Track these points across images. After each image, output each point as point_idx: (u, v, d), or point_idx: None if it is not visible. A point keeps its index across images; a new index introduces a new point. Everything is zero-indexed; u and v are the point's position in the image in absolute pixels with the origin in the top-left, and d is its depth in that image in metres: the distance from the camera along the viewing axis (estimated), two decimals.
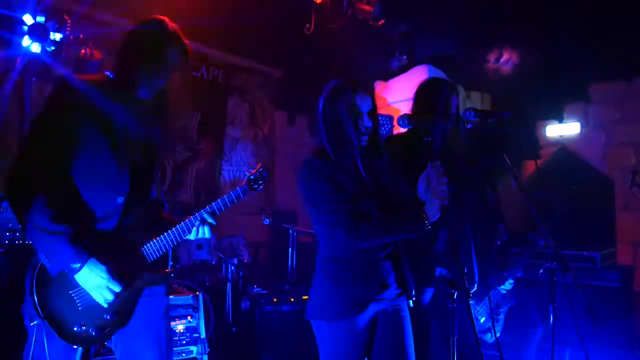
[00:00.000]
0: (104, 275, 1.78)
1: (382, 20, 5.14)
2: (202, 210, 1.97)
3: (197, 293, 3.23)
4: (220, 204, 1.99)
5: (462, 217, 2.57)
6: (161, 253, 1.94)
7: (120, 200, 1.87)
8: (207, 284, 4.62)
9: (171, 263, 3.83)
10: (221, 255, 4.60)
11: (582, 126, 5.29)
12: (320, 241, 2.18)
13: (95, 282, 1.78)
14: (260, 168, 2.07)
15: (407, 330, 2.16)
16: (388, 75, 5.81)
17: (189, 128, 5.67)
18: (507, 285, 3.45)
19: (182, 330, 3.07)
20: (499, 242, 3.67)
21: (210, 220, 1.98)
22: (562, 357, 3.68)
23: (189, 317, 3.11)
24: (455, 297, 1.83)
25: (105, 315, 1.85)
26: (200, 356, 3.10)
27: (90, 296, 1.81)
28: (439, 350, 2.47)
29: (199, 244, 4.55)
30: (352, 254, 2.05)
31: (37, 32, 3.17)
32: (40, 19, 3.19)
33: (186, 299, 3.17)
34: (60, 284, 1.79)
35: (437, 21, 5.13)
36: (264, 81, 6.44)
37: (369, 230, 1.98)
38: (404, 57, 5.70)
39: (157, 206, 2.06)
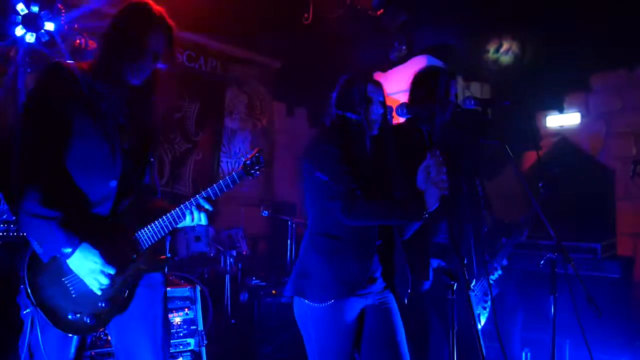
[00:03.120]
0: (97, 259, 1.76)
1: (381, 10, 5.09)
2: (197, 196, 1.95)
3: (195, 285, 3.21)
4: (216, 188, 1.96)
5: (461, 207, 2.55)
6: (156, 239, 1.92)
7: (113, 184, 1.86)
8: (206, 276, 4.61)
9: (169, 254, 3.81)
10: (220, 247, 4.58)
11: (582, 116, 5.25)
12: (313, 215, 2.17)
13: (88, 267, 1.76)
14: (257, 153, 2.04)
15: (397, 322, 2.15)
16: (387, 65, 5.76)
17: (187, 119, 5.64)
18: (495, 275, 3.44)
19: (179, 323, 3.05)
20: (485, 229, 3.66)
21: (206, 206, 1.95)
22: (562, 349, 3.67)
23: (186, 310, 3.10)
24: (454, 288, 1.81)
25: (99, 303, 1.83)
26: (198, 348, 3.09)
27: (84, 283, 1.79)
28: (439, 342, 2.45)
29: (197, 236, 4.53)
30: (345, 232, 2.04)
31: (31, 22, 3.13)
32: (34, 8, 3.14)
33: (184, 291, 3.15)
34: (53, 271, 1.77)
35: (437, 11, 5.08)
36: (262, 72, 6.40)
37: (366, 207, 1.98)
38: (403, 47, 5.65)
39: (150, 192, 2.04)
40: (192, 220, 1.96)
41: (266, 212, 4.81)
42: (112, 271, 1.79)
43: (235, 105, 6.19)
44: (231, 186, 1.98)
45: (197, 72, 5.65)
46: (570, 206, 4.35)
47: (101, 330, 1.98)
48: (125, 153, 1.90)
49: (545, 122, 5.44)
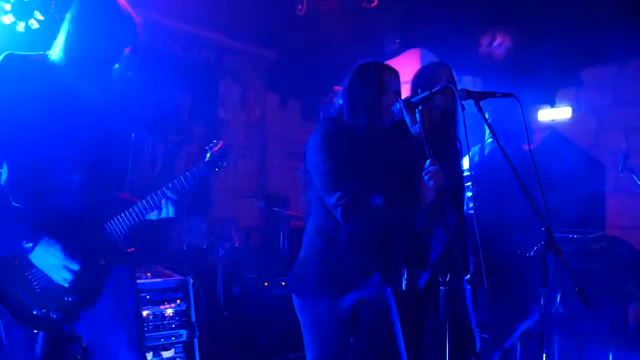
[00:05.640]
0: (59, 254, 1.73)
1: (375, 2, 5.07)
2: (163, 188, 1.92)
3: (187, 277, 3.21)
4: (183, 180, 1.94)
5: (458, 199, 2.55)
6: (123, 232, 1.88)
7: (76, 177, 1.82)
8: (198, 268, 4.60)
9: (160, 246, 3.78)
10: (212, 239, 4.57)
11: (574, 110, 5.29)
12: (312, 213, 2.16)
13: (50, 262, 1.72)
14: (221, 145, 2.03)
15: (393, 312, 2.16)
16: (381, 58, 5.74)
17: (180, 110, 5.60)
18: None
19: (171, 314, 3.05)
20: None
21: (173, 197, 1.93)
22: (552, 340, 3.72)
23: (178, 301, 3.10)
24: (448, 280, 1.83)
25: (65, 297, 1.79)
26: (189, 340, 3.10)
27: (49, 277, 1.75)
28: (434, 332, 2.47)
29: (189, 227, 4.52)
30: (343, 233, 2.04)
31: (21, 11, 3.09)
32: None
33: (176, 282, 3.15)
34: (15, 267, 1.74)
35: (430, 4, 5.07)
36: (256, 63, 6.36)
37: (363, 208, 1.96)
38: (397, 40, 5.63)
39: (117, 185, 1.99)
40: (160, 213, 1.94)
41: (259, 204, 4.80)
42: (75, 266, 1.75)
43: (228, 96, 6.17)
44: (194, 181, 1.96)
45: (190, 62, 5.61)
46: (561, 199, 4.39)
47: (68, 325, 1.94)
48: (88, 145, 1.85)
49: (537, 116, 5.47)
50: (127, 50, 1.89)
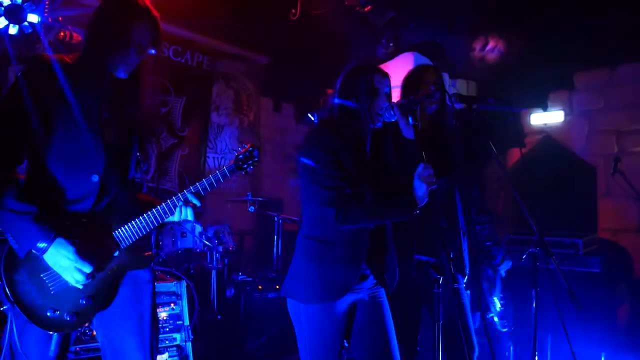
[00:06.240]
0: (72, 255, 1.72)
1: (369, 7, 5.10)
2: (185, 191, 1.89)
3: (181, 280, 3.21)
4: (205, 183, 1.90)
5: (452, 201, 2.57)
6: (140, 235, 1.86)
7: (95, 179, 1.82)
8: (192, 271, 4.59)
9: (154, 250, 3.77)
10: (206, 242, 4.57)
11: (566, 114, 5.33)
12: (306, 217, 2.16)
13: (63, 263, 1.72)
14: (250, 147, 1.96)
15: (387, 315, 2.17)
16: (374, 62, 5.77)
17: (173, 114, 5.60)
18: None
19: (165, 318, 3.04)
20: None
21: (194, 201, 1.89)
22: (544, 342, 3.73)
23: (172, 305, 3.09)
24: (440, 282, 1.84)
25: (80, 300, 1.79)
26: (183, 343, 3.09)
27: (63, 280, 1.76)
28: (429, 335, 2.48)
29: (184, 231, 4.52)
30: (337, 237, 2.05)
31: (14, 14, 3.08)
32: None
33: (170, 286, 3.14)
34: (30, 267, 1.74)
35: (424, 8, 5.11)
36: (249, 67, 6.38)
37: (358, 212, 1.98)
38: (391, 44, 5.66)
39: (136, 187, 1.99)
40: (180, 216, 1.90)
41: (253, 208, 4.80)
42: (87, 269, 1.74)
43: (222, 100, 6.17)
44: (222, 181, 1.91)
45: (184, 66, 5.61)
46: (553, 202, 4.42)
47: (86, 326, 1.93)
48: (109, 147, 1.86)
49: (530, 119, 5.52)
50: (147, 49, 1.87)
